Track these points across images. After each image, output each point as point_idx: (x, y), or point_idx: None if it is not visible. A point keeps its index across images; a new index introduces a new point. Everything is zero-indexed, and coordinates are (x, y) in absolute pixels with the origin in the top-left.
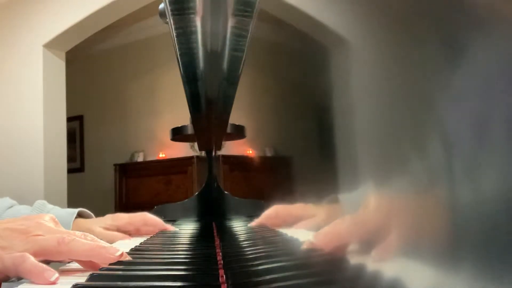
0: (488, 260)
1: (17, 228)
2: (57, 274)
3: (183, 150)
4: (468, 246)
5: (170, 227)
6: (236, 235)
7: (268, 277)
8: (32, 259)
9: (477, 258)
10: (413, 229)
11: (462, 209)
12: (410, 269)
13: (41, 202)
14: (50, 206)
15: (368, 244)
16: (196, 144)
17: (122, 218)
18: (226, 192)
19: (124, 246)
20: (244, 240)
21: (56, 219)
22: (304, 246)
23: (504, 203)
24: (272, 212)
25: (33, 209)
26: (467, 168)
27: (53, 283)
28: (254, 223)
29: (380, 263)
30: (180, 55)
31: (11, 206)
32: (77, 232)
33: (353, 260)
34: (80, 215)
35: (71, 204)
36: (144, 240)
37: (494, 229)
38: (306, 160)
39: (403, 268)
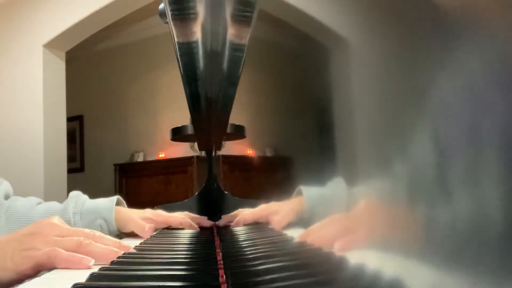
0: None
1: (36, 232)
2: (93, 261)
3: (183, 150)
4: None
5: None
6: (236, 235)
7: (268, 277)
8: (64, 251)
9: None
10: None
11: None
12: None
13: (76, 193)
14: (85, 196)
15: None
16: (196, 144)
17: (162, 216)
18: (226, 192)
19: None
20: (244, 240)
21: (63, 221)
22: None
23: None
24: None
25: (70, 200)
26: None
27: (90, 267)
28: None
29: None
30: (180, 55)
31: (39, 203)
32: (86, 230)
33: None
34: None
35: None
36: (144, 240)
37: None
38: (306, 160)
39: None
